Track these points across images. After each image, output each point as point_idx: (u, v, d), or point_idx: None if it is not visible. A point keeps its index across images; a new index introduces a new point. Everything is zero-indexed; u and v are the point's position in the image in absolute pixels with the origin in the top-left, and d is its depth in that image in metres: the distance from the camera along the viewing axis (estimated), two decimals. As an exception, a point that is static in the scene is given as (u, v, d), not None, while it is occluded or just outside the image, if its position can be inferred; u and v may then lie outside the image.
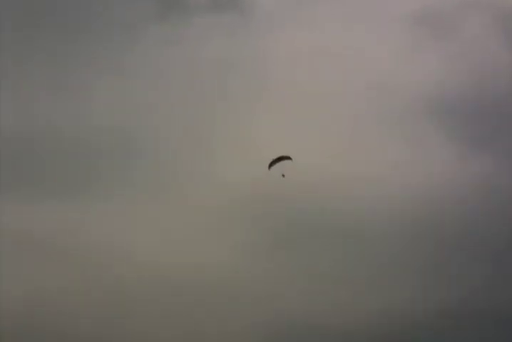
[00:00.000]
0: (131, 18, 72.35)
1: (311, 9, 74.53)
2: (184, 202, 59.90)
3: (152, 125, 65.51)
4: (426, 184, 61.79)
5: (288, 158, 45.86)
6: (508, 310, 52.17)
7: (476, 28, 72.94)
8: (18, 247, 55.11)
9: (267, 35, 72.24)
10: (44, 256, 54.99)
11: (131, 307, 53.27)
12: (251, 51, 71.13)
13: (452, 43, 73.17)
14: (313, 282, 55.60)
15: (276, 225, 58.74)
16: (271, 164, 46.21)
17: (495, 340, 51.47)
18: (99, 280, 54.29)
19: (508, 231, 57.24)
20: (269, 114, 66.76)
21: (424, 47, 73.29)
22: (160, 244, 57.14)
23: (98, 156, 63.05)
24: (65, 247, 55.95)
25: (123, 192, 60.72)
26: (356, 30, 73.32)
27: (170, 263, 55.37)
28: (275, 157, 45.97)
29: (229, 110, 66.98)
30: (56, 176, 61.40)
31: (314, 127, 66.65)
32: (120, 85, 68.03)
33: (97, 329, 51.14)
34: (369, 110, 68.76)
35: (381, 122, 68.10)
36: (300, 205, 59.17)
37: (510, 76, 69.33)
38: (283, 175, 47.31)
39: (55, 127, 63.71)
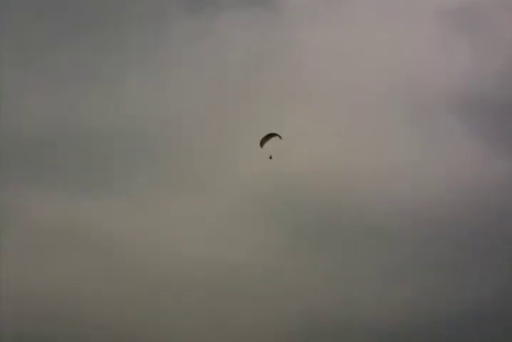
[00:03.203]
0: (162, 12, 72.56)
1: (341, 4, 74.10)
2: (205, 198, 60.00)
3: (175, 119, 65.54)
4: (448, 182, 61.13)
5: (276, 135, 46.33)
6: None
7: (507, 25, 71.70)
8: (43, 238, 55.84)
9: (296, 31, 71.52)
10: (75, 247, 55.67)
11: (151, 300, 53.64)
12: (280, 47, 70.70)
13: (481, 40, 72.19)
14: (333, 279, 55.54)
15: (296, 222, 58.69)
16: (262, 143, 46.66)
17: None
18: (120, 272, 54.71)
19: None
20: (294, 110, 66.38)
21: (453, 43, 72.39)
22: (181, 239, 57.07)
23: (122, 149, 63.46)
24: (90, 239, 56.41)
25: (145, 186, 61.01)
26: (386, 26, 72.52)
27: (190, 258, 55.44)
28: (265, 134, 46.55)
29: (256, 106, 66.85)
30: (80, 168, 61.92)
31: (338, 124, 66.35)
32: (144, 79, 68.15)
33: (115, 320, 51.70)
34: (395, 106, 68.40)
35: (406, 120, 67.69)
36: (321, 202, 58.98)
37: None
38: (270, 157, 47.94)
39: (81, 120, 64.12)
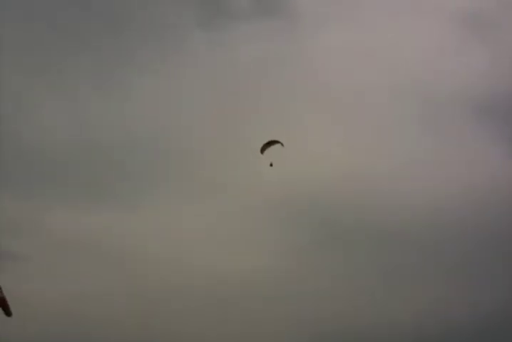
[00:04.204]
0: (174, 22, 72.96)
1: (351, 7, 73.86)
2: (217, 206, 60.36)
3: (187, 130, 65.94)
4: (461, 184, 60.80)
5: (278, 142, 45.68)
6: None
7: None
8: (60, 249, 56.66)
9: (310, 39, 71.69)
10: (89, 259, 56.13)
11: (166, 309, 54.04)
12: (294, 55, 70.89)
13: (499, 40, 71.69)
14: (352, 283, 55.50)
15: (316, 226, 58.98)
16: (263, 149, 46.18)
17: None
18: (138, 284, 55.16)
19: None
20: (311, 115, 66.55)
21: (470, 43, 71.95)
22: (201, 246, 57.75)
23: (136, 161, 63.98)
24: (109, 250, 57.02)
25: (159, 197, 61.52)
26: (397, 27, 72.29)
27: (210, 266, 55.86)
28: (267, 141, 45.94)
29: (272, 112, 66.85)
30: (95, 181, 62.50)
31: (355, 127, 66.53)
32: (156, 89, 68.56)
33: (131, 332, 52.19)
34: (406, 107, 68.23)
35: (418, 120, 67.49)
36: (341, 205, 59.29)
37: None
38: (271, 164, 47.42)
39: (94, 132, 64.95)
